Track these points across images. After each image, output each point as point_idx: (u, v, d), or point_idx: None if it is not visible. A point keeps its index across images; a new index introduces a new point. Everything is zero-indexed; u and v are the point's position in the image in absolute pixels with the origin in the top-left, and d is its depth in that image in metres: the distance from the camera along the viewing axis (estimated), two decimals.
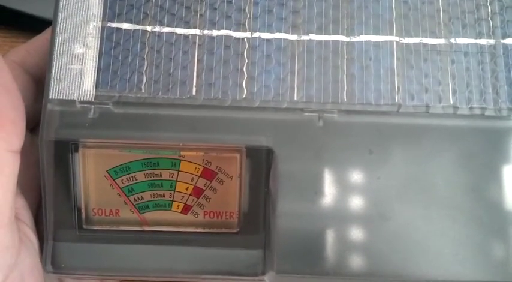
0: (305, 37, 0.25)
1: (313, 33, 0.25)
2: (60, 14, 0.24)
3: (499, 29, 0.25)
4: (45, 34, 0.27)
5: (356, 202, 0.24)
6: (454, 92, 0.24)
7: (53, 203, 0.24)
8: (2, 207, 0.21)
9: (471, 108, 0.24)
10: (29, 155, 0.26)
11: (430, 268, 0.24)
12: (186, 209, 0.25)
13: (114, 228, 0.25)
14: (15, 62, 0.26)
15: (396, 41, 0.25)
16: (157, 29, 0.25)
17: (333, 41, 0.25)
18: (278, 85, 0.24)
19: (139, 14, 0.25)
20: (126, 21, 0.24)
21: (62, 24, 0.24)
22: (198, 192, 0.25)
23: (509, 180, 0.24)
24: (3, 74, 0.22)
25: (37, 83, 0.27)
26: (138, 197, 0.25)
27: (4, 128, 0.21)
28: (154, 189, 0.25)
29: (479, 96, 0.24)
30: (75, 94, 0.24)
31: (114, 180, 0.25)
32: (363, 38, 0.25)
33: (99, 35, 0.24)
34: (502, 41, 0.25)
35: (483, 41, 0.25)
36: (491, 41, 0.25)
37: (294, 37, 0.25)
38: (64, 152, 0.24)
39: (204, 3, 0.25)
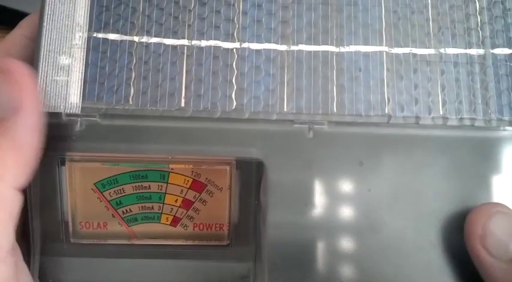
0: (294, 47, 0.25)
1: (302, 44, 0.25)
2: (45, 24, 0.24)
3: (488, 39, 0.25)
4: (19, 29, 0.27)
5: (347, 214, 0.24)
6: (444, 103, 0.24)
7: (40, 217, 0.24)
8: (2, 241, 0.20)
9: (461, 119, 0.24)
10: None
11: (421, 280, 0.24)
12: (175, 222, 0.25)
13: (102, 241, 0.25)
14: None
15: (386, 51, 0.25)
16: (144, 39, 0.24)
17: (322, 51, 0.25)
18: (268, 96, 0.24)
19: (127, 24, 0.24)
20: (112, 32, 0.24)
21: (47, 34, 0.24)
22: (187, 204, 0.25)
23: (499, 190, 0.24)
24: None
25: None
26: (126, 210, 0.25)
27: (18, 164, 0.20)
28: (142, 201, 0.25)
29: (468, 107, 0.24)
30: (61, 106, 0.23)
31: (101, 193, 0.24)
32: (353, 48, 0.25)
33: (85, 46, 0.24)
34: (492, 51, 0.25)
35: (473, 51, 0.25)
36: (481, 51, 0.25)
37: (283, 47, 0.25)
38: (50, 166, 0.23)
39: (192, 13, 0.24)
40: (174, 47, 0.24)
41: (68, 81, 0.23)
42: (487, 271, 0.22)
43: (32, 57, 0.25)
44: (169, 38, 0.24)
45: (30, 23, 0.26)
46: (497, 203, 0.24)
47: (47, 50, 0.24)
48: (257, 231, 0.24)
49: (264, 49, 0.24)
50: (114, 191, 0.24)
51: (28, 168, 0.21)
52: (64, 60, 0.24)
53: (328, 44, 0.25)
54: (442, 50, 0.25)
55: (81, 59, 0.24)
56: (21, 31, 0.26)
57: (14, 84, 0.20)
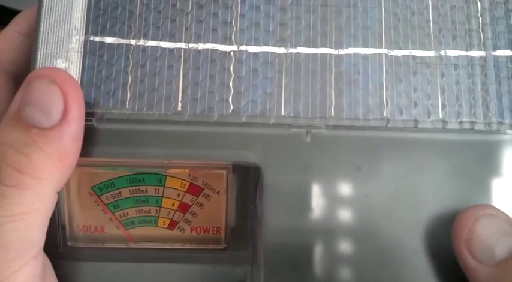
0: (293, 50, 0.24)
1: (300, 46, 0.24)
2: (41, 27, 0.24)
3: (489, 41, 0.25)
4: (14, 26, 0.26)
5: (344, 218, 0.24)
6: (444, 106, 0.24)
7: None
8: (37, 241, 0.21)
9: (461, 122, 0.24)
10: None
11: None
12: (172, 225, 0.25)
13: (99, 245, 0.25)
14: None
15: (385, 54, 0.24)
16: (141, 42, 0.24)
17: (320, 54, 0.24)
18: (265, 100, 0.24)
19: (124, 28, 0.24)
20: (109, 35, 0.24)
21: (43, 38, 0.23)
22: (184, 208, 0.25)
23: (499, 194, 0.24)
24: None
25: (16, 81, 0.26)
26: (123, 213, 0.25)
27: (62, 170, 0.21)
28: (139, 205, 0.25)
29: (469, 110, 0.24)
30: None
31: (98, 196, 0.24)
32: (351, 50, 0.24)
33: (82, 50, 0.24)
34: (493, 53, 0.25)
35: (473, 53, 0.25)
36: (482, 53, 0.25)
37: (281, 50, 0.24)
38: None
39: (190, 16, 0.24)
40: (171, 51, 0.24)
41: None
42: (472, 276, 0.22)
43: (26, 54, 0.25)
44: (166, 41, 0.24)
45: (24, 19, 0.26)
46: (485, 205, 0.23)
47: (43, 54, 0.23)
48: (254, 235, 0.24)
49: (261, 52, 0.24)
50: (111, 195, 0.24)
51: (68, 173, 0.21)
52: (61, 64, 0.23)
53: (326, 47, 0.24)
54: (442, 52, 0.25)
55: (78, 63, 0.24)
56: (15, 28, 0.26)
57: (61, 94, 0.21)
